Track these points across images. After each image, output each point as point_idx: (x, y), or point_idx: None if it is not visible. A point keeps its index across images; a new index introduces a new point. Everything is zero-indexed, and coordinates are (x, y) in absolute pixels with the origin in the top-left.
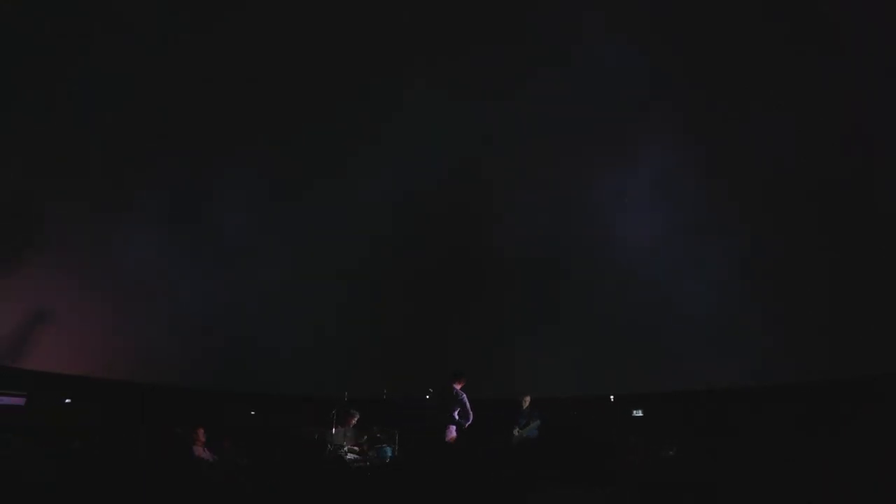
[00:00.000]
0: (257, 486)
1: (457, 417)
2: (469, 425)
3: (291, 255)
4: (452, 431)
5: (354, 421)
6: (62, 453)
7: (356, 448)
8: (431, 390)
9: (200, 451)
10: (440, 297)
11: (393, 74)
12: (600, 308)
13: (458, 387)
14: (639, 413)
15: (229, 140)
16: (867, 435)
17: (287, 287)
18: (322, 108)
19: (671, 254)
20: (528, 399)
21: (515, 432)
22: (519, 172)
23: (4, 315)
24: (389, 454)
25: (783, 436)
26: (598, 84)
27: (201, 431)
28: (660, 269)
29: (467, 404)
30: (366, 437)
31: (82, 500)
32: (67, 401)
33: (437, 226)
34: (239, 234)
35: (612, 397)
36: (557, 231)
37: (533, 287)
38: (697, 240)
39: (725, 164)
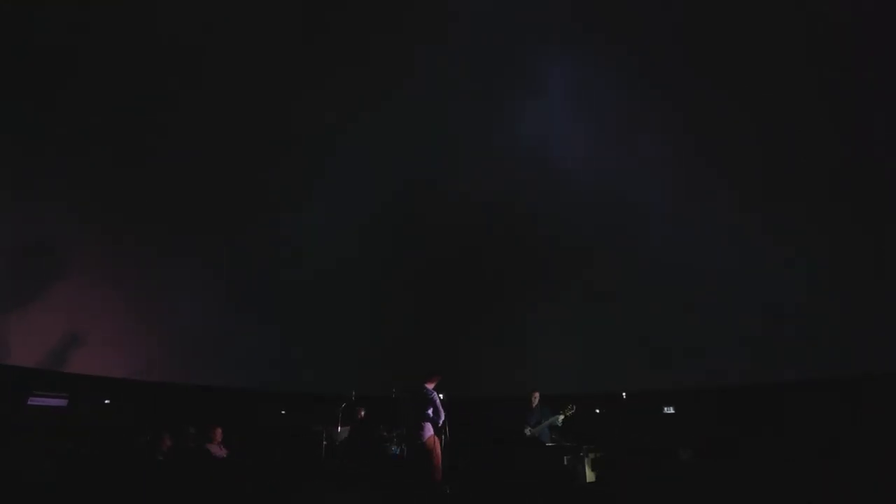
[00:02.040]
0: (258, 485)
1: (430, 415)
2: (442, 423)
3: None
4: (429, 430)
5: (362, 415)
6: (69, 453)
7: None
8: (394, 391)
9: (216, 448)
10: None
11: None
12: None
13: (430, 386)
14: (670, 410)
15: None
16: (867, 435)
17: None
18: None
19: None
20: (536, 395)
21: (527, 431)
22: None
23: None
24: (395, 453)
25: (783, 435)
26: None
27: (219, 431)
28: None
29: (438, 403)
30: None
31: (88, 498)
32: (107, 402)
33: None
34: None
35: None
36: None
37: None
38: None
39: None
